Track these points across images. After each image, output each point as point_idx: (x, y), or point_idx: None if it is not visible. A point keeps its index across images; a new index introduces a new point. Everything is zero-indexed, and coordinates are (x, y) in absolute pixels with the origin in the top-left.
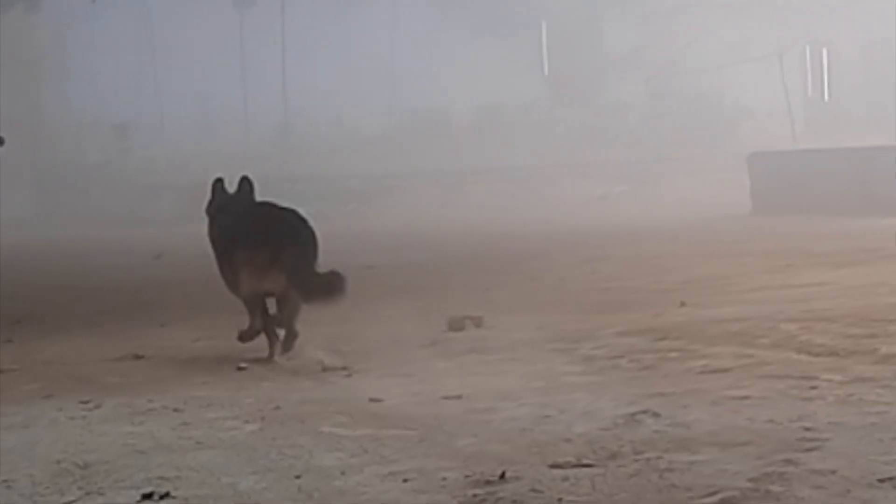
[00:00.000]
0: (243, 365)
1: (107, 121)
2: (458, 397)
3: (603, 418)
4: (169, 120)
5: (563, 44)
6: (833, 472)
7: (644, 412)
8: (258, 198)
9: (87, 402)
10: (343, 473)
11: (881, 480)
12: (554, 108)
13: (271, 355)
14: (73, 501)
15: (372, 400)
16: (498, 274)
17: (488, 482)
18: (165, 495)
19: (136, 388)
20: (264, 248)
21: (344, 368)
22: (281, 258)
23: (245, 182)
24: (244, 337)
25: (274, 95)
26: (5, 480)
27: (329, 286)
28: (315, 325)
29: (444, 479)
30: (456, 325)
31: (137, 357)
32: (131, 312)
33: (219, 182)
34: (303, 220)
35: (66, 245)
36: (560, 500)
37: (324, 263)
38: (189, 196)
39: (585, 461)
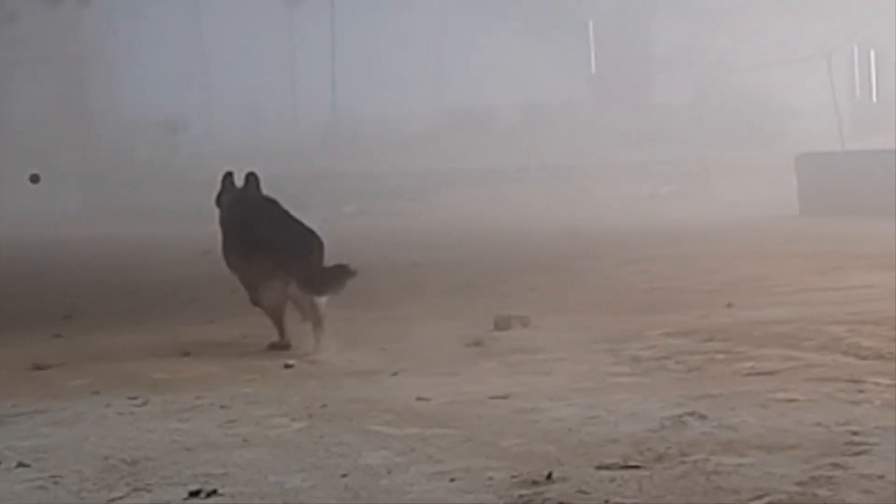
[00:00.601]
0: (290, 363)
1: (155, 117)
2: (505, 397)
3: (650, 420)
4: (217, 116)
5: (610, 43)
6: (881, 476)
7: (691, 414)
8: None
9: (134, 399)
10: (389, 472)
11: None
12: (601, 107)
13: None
14: (121, 498)
15: (419, 399)
16: (544, 273)
17: (535, 482)
18: (212, 493)
19: (184, 385)
20: (276, 264)
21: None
22: (291, 270)
23: (251, 177)
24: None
25: (322, 93)
26: (53, 476)
27: (335, 278)
28: (361, 322)
29: (491, 478)
30: (502, 325)
31: (185, 354)
32: (179, 309)
33: (229, 176)
34: (308, 230)
35: (114, 241)
36: (607, 501)
37: (372, 261)
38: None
39: (632, 463)
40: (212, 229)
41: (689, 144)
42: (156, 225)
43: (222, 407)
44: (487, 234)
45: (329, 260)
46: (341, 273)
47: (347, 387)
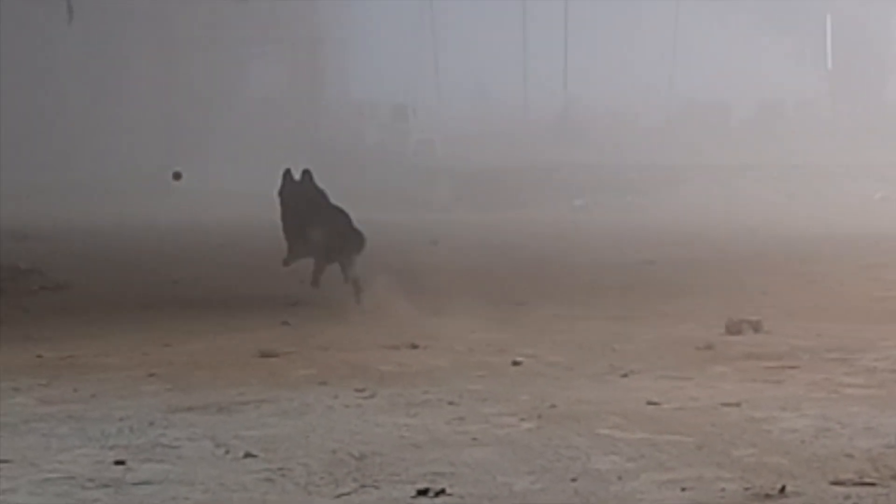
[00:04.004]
0: (519, 359)
1: (385, 101)
2: (737, 404)
3: (885, 434)
4: (447, 102)
5: (848, 39)
6: None
7: None
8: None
9: (362, 391)
10: (619, 478)
11: None
12: (836, 105)
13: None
14: (348, 494)
15: (649, 403)
16: (776, 276)
17: (768, 496)
18: (440, 492)
19: (412, 379)
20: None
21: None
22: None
23: (307, 174)
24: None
25: (554, 82)
26: (280, 468)
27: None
28: (590, 320)
29: (723, 489)
30: (734, 329)
31: (413, 346)
32: (407, 299)
33: (288, 172)
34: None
35: None
36: None
37: (601, 257)
38: (466, 182)
39: (867, 479)
40: (441, 219)
41: None
42: (382, 211)
43: (450, 403)
44: (718, 233)
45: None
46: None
47: (576, 387)
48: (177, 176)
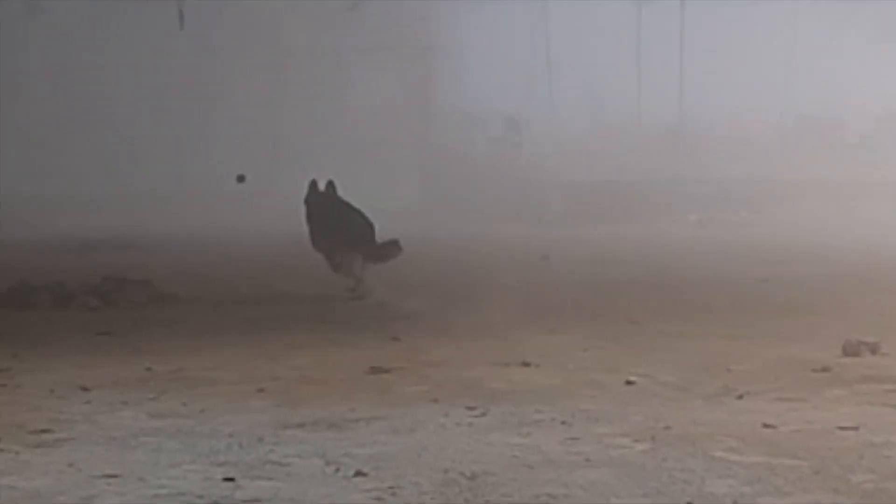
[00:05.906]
0: (632, 379)
1: (497, 112)
2: (855, 428)
3: None
4: (560, 115)
5: None
6: None
7: None
8: None
9: (473, 409)
10: (735, 502)
11: None
12: None
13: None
14: None
15: (765, 425)
16: (893, 296)
17: None
18: None
19: (524, 397)
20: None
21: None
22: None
23: (331, 184)
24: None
25: (668, 95)
26: (391, 487)
27: (385, 253)
28: (705, 339)
29: None
30: (851, 350)
31: (525, 364)
32: (518, 315)
33: (314, 183)
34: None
35: (449, 240)
36: None
37: (715, 274)
38: (578, 195)
39: None
40: (552, 233)
41: None
42: (492, 224)
43: (563, 423)
44: (834, 251)
45: None
46: (393, 247)
47: (691, 408)
48: (240, 179)
